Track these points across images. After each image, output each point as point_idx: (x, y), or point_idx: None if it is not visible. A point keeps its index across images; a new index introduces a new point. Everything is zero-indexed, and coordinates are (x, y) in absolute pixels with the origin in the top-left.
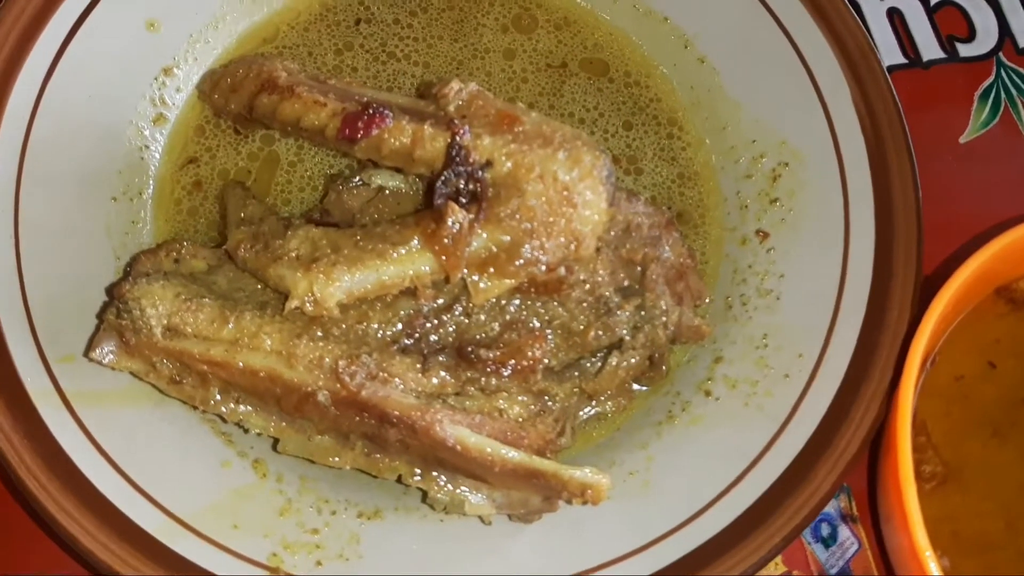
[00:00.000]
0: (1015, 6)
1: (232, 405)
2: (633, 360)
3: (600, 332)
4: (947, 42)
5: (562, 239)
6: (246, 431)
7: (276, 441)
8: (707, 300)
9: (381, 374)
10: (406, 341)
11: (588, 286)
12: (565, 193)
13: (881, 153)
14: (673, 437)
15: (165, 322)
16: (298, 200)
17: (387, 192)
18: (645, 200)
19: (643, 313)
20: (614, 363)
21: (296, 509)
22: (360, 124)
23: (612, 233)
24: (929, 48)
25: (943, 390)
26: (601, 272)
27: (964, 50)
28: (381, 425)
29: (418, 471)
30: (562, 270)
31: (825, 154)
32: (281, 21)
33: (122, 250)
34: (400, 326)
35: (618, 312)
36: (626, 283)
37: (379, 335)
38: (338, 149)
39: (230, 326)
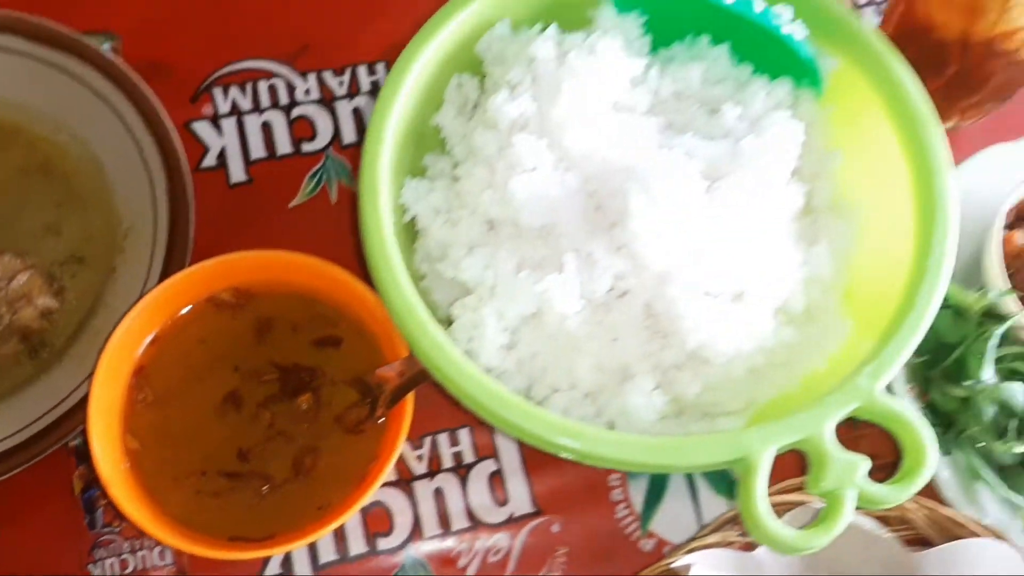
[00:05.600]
0: (347, 116)
1: None
2: None
3: None
4: (297, 142)
5: None
6: None
7: None
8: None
9: None
10: None
11: None
12: None
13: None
14: None
15: None
16: None
17: None
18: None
19: None
20: None
21: None
22: None
23: None
24: (284, 146)
25: (172, 356)
26: None
27: (307, 147)
28: None
29: None
30: None
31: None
32: None
33: None
34: None
35: None
36: None
37: None
38: None
39: None
